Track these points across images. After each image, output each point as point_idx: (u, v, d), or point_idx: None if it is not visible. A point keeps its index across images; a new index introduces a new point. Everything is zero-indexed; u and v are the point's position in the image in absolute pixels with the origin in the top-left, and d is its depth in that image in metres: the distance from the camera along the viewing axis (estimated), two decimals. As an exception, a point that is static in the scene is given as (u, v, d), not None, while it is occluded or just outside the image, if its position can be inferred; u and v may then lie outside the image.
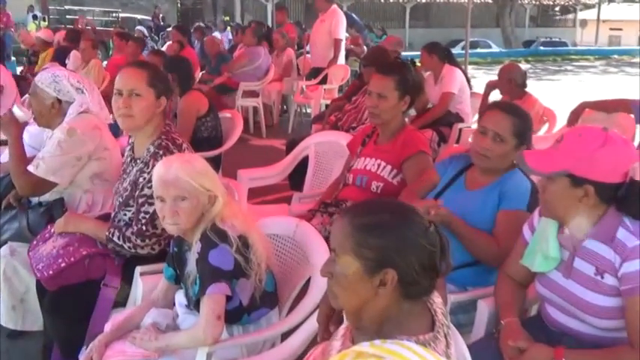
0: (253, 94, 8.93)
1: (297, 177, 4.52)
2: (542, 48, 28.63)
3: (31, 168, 3.09)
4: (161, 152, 2.68)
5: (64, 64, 8.43)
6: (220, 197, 2.31)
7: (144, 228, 2.65)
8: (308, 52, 10.54)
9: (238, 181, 4.05)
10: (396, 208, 1.53)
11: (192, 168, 2.29)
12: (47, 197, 3.25)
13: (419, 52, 6.29)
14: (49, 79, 3.25)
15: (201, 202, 2.28)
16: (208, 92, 7.35)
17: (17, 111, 3.38)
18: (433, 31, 30.88)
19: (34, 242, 2.89)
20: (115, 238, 2.70)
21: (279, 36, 9.85)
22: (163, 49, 12.30)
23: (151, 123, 2.76)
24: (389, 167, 3.28)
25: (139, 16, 26.83)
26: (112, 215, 2.90)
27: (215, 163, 4.71)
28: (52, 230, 2.90)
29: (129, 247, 2.68)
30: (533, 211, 2.31)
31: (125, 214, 2.79)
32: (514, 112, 2.59)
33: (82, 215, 2.96)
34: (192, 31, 12.85)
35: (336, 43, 8.96)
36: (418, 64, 6.26)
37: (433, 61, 5.97)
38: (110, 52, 16.63)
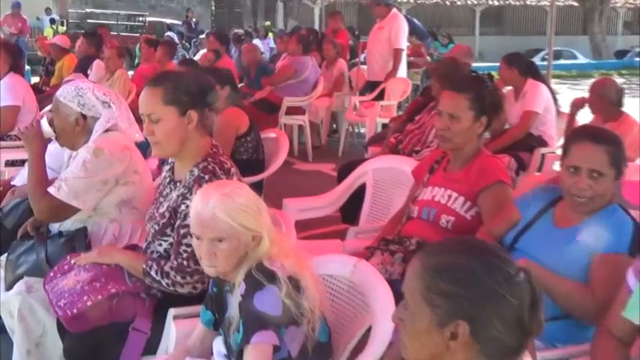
0: (299, 110, 9.04)
1: (351, 208, 4.53)
2: (638, 59, 28.20)
3: (52, 190, 3.17)
4: (207, 177, 2.73)
5: (86, 75, 8.67)
6: (266, 237, 2.33)
7: (185, 263, 2.69)
8: (363, 63, 10.62)
9: (286, 211, 4.09)
10: (474, 248, 1.53)
11: (232, 204, 2.30)
12: (68, 226, 3.32)
13: (490, 64, 6.29)
14: (72, 92, 3.35)
15: (243, 242, 2.31)
16: (248, 108, 7.48)
17: (45, 125, 3.49)
18: (507, 39, 30.76)
19: (51, 274, 2.95)
20: (153, 272, 2.74)
21: (330, 45, 9.95)
22: (196, 58, 12.59)
23: (189, 143, 2.81)
24: (461, 199, 3.27)
25: (168, 21, 27.43)
26: (145, 246, 2.95)
27: (256, 190, 4.75)
28: (72, 262, 2.96)
29: (167, 285, 2.71)
30: (636, 254, 2.27)
31: (160, 245, 2.83)
32: (606, 140, 2.57)
33: (115, 247, 3.03)
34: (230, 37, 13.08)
35: (397, 53, 9.02)
36: (497, 77, 6.25)
37: (514, 74, 5.95)
38: (136, 61, 17.05)
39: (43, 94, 9.02)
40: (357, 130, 10.27)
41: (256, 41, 17.46)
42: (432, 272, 1.49)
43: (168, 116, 2.76)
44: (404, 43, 9.33)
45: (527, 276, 1.48)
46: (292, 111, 8.96)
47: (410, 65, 11.41)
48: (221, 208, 2.28)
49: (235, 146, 4.94)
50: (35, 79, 13.08)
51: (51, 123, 3.47)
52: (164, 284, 2.71)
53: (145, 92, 2.80)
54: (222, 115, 4.92)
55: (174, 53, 10.43)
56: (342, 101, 9.83)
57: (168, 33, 20.02)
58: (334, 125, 10.67)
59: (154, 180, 3.62)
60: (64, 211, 3.22)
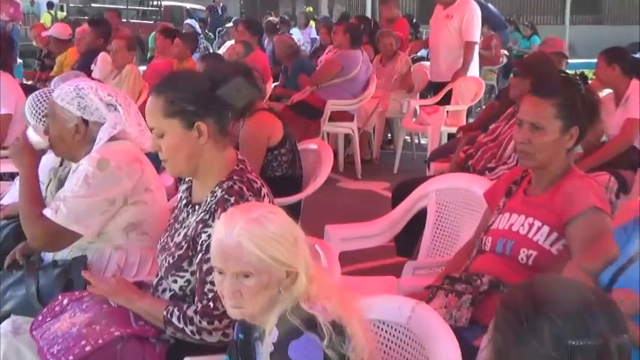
0: (345, 116, 9.08)
1: (408, 238, 4.52)
2: None
3: (48, 212, 3.22)
4: (232, 200, 2.75)
5: (89, 71, 8.78)
6: (304, 272, 2.33)
7: (212, 305, 2.69)
8: (423, 59, 10.63)
9: (326, 240, 4.09)
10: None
11: (262, 231, 2.29)
12: (64, 254, 3.36)
13: (584, 60, 6.24)
14: (70, 93, 3.41)
15: (275, 278, 2.29)
16: (283, 113, 7.52)
17: (32, 135, 3.54)
18: (604, 29, 30.46)
19: (39, 318, 2.98)
20: (175, 320, 2.75)
21: (389, 39, 9.99)
22: (221, 51, 12.71)
23: (205, 160, 2.85)
24: (546, 229, 3.25)
25: (188, 5, 27.66)
26: (155, 282, 2.98)
27: (292, 214, 4.77)
28: (65, 302, 2.99)
29: (192, 332, 2.72)
30: None
31: (175, 281, 2.85)
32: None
33: (134, 286, 3.03)
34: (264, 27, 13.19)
35: (468, 47, 9.05)
36: (592, 77, 6.21)
37: (614, 74, 5.90)
38: (149, 54, 17.24)
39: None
40: (417, 142, 10.28)
41: (295, 31, 17.61)
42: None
43: (171, 130, 2.81)
44: (477, 35, 9.33)
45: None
46: (337, 117, 9.01)
47: (482, 61, 11.38)
48: (248, 236, 2.27)
49: (267, 160, 4.99)
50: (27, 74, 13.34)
51: (46, 131, 3.52)
52: (189, 332, 2.72)
53: (148, 102, 2.87)
54: (250, 121, 4.96)
55: (196, 46, 10.55)
56: (399, 105, 9.85)
57: (189, 21, 20.22)
58: (389, 135, 10.69)
59: (168, 200, 3.65)
60: (63, 237, 3.27)
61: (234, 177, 2.83)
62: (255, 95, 5.15)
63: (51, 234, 3.23)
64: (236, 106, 2.91)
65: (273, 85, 10.00)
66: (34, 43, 12.94)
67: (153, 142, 2.86)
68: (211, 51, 17.41)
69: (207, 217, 2.78)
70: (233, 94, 2.87)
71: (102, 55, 9.20)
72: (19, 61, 14.67)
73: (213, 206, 2.78)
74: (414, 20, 15.85)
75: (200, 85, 2.87)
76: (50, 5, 24.77)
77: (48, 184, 3.70)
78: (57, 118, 3.42)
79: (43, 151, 3.57)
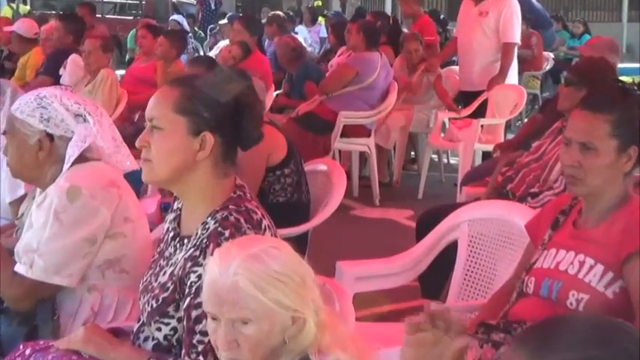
0: (361, 131, 9.11)
1: (434, 277, 4.51)
2: None
3: (21, 269, 3.25)
4: (227, 233, 2.75)
5: (56, 76, 8.81)
6: (313, 319, 2.33)
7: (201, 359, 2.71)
8: (451, 64, 10.63)
9: (338, 280, 4.10)
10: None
11: (263, 269, 2.30)
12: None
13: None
14: (31, 103, 3.42)
15: (278, 326, 2.30)
16: (286, 127, 7.53)
17: None
18: (670, 28, 30.48)
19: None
20: None
21: (417, 43, 9.95)
22: (213, 53, 12.72)
23: (197, 179, 2.86)
24: (599, 268, 3.25)
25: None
26: (136, 328, 2.98)
27: (298, 247, 4.77)
28: (27, 352, 2.99)
29: None
30: None
31: (159, 329, 2.86)
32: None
33: (108, 334, 3.04)
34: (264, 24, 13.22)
35: (507, 49, 9.09)
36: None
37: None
38: (127, 57, 17.28)
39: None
40: (445, 161, 10.28)
41: (300, 29, 17.65)
42: None
43: (174, 129, 2.83)
44: (518, 35, 9.33)
45: None
46: (352, 131, 9.03)
47: (522, 65, 11.36)
48: (246, 275, 2.28)
49: (267, 183, 5.02)
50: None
51: (5, 151, 3.54)
52: None
53: (159, 91, 2.93)
54: None
55: (184, 46, 10.56)
56: (425, 119, 9.85)
57: (175, 17, 19.98)
58: (412, 153, 10.69)
59: (151, 230, 3.67)
60: (45, 291, 3.29)
61: (230, 206, 2.84)
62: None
63: (32, 292, 3.26)
64: (248, 138, 2.94)
65: (275, 93, 9.99)
66: None
67: (142, 135, 2.86)
68: (202, 53, 17.43)
69: (197, 253, 2.78)
70: (251, 124, 2.91)
71: (72, 57, 9.22)
72: None
73: (205, 241, 2.78)
74: (442, 17, 15.86)
75: (227, 96, 2.87)
76: (10, -4, 24.48)
77: (21, 216, 3.72)
78: (16, 135, 3.43)
79: None
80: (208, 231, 2.79)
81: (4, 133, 3.54)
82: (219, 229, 2.77)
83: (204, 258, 2.71)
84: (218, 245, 2.65)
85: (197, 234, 2.83)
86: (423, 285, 4.88)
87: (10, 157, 3.50)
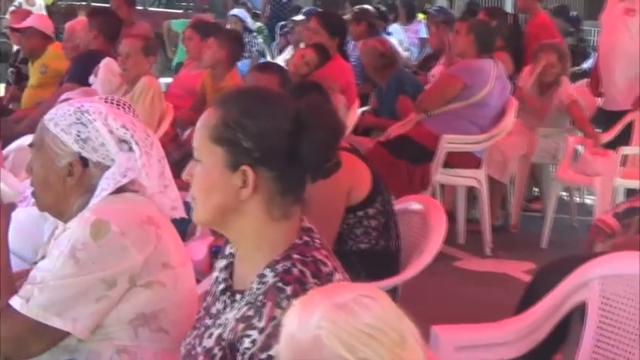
0: (469, 160, 9.12)
1: (554, 349, 4.50)
2: None
3: (16, 303, 3.25)
4: (288, 290, 2.77)
5: (86, 85, 8.87)
6: None
7: None
8: (586, 75, 10.51)
9: (433, 349, 4.12)
10: None
11: (353, 323, 2.24)
12: (46, 358, 3.44)
13: None
14: (69, 117, 3.44)
15: None
16: (373, 154, 7.55)
17: (3, 180, 3.61)
18: None
19: None
20: None
21: (554, 56, 9.78)
22: (283, 58, 12.77)
23: (253, 226, 2.91)
24: None
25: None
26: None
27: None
28: None
29: None
30: None
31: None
32: None
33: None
34: (347, 22, 13.15)
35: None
36: None
37: None
38: (175, 60, 17.33)
39: (9, 118, 9.37)
40: (578, 200, 10.20)
41: (395, 28, 17.52)
42: None
43: (210, 161, 2.89)
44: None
45: None
46: (457, 160, 9.05)
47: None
48: (331, 328, 2.24)
49: (347, 226, 5.03)
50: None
51: (29, 168, 3.57)
52: None
53: (204, 114, 2.97)
54: None
55: (239, 51, 10.42)
56: (552, 146, 9.79)
57: (235, 11, 19.94)
58: (535, 189, 10.63)
59: (198, 282, 3.71)
60: (40, 338, 3.27)
61: (294, 255, 2.85)
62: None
63: (20, 334, 3.25)
64: (313, 169, 2.96)
65: (360, 111, 10.04)
66: (11, 43, 12.91)
67: (189, 168, 2.93)
68: (268, 58, 17.43)
69: (250, 313, 2.80)
70: (315, 152, 2.90)
71: (106, 61, 9.23)
72: None
73: (261, 298, 2.80)
74: (574, 14, 15.65)
75: (280, 120, 2.89)
76: (27, -15, 24.42)
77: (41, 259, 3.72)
78: (44, 151, 3.45)
79: (13, 206, 3.62)
80: (266, 285, 2.82)
81: (31, 145, 3.56)
82: (280, 284, 2.79)
83: (259, 320, 2.74)
84: (277, 304, 2.69)
85: (252, 289, 2.86)
86: (540, 357, 4.87)
87: (34, 178, 3.54)
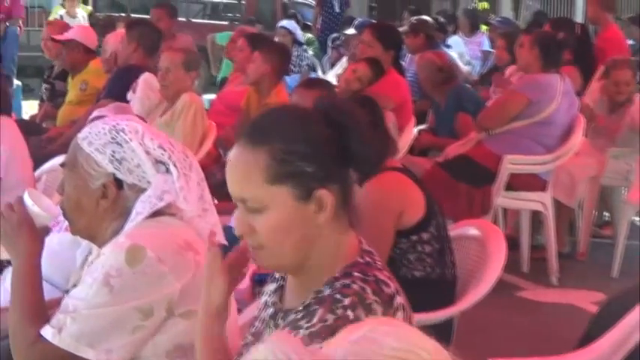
0: (534, 183, 9.08)
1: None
2: None
3: (48, 333, 3.32)
4: (346, 302, 2.81)
5: (123, 101, 8.88)
6: None
7: None
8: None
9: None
10: None
11: (379, 351, 2.26)
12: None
13: None
14: (104, 136, 3.51)
15: None
16: (429, 176, 7.57)
17: (29, 202, 3.64)
18: None
19: None
20: None
21: (629, 72, 9.73)
22: (335, 72, 12.79)
23: (320, 247, 2.93)
24: None
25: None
26: None
27: (440, 337, 4.77)
28: None
29: None
30: None
31: None
32: None
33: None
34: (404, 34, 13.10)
35: None
36: None
37: None
38: (220, 76, 17.35)
39: (42, 137, 9.42)
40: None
41: (455, 41, 17.47)
42: None
43: (278, 204, 2.86)
44: None
45: None
46: (521, 183, 9.00)
47: None
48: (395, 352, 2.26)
49: (399, 251, 5.05)
50: (29, 103, 13.55)
51: (60, 189, 3.62)
52: None
53: (236, 158, 2.91)
54: (372, 186, 4.79)
55: (286, 65, 10.32)
56: (624, 167, 9.74)
57: (285, 23, 19.94)
58: (605, 214, 10.60)
59: (240, 311, 3.74)
60: None
61: (355, 273, 2.89)
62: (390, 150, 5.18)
63: None
64: (366, 167, 2.98)
65: (416, 129, 10.04)
66: (45, 56, 12.62)
67: (240, 221, 2.89)
68: (319, 73, 17.45)
69: (299, 316, 2.85)
70: (364, 145, 2.92)
71: (145, 76, 9.29)
72: (17, 83, 14.92)
73: (314, 305, 2.84)
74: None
75: (319, 129, 2.91)
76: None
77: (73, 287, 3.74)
78: (77, 171, 3.51)
79: (47, 230, 3.68)
80: (322, 295, 2.86)
81: (63, 165, 3.62)
82: (337, 295, 2.83)
83: (308, 321, 2.79)
84: (330, 310, 2.74)
85: (305, 303, 2.89)
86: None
87: (65, 200, 3.57)
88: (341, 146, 2.90)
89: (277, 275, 3.14)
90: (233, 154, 2.92)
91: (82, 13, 21.99)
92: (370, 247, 3.06)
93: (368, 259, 2.96)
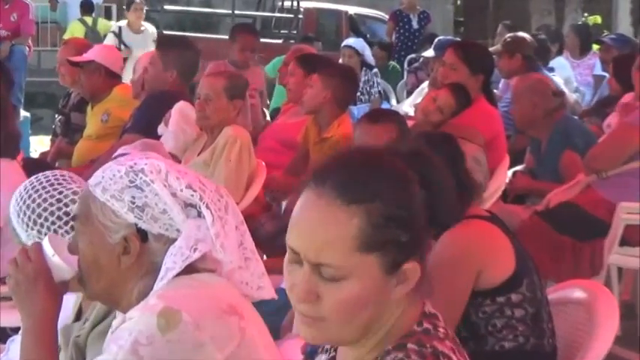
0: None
1: None
2: None
3: None
4: None
5: (153, 136, 8.92)
6: None
7: None
8: None
9: None
10: None
11: None
12: None
13: None
14: (120, 179, 3.51)
15: None
16: (528, 226, 7.58)
17: (50, 251, 3.67)
18: None
19: None
20: None
21: None
22: (412, 101, 12.83)
23: (383, 319, 2.94)
24: None
25: (352, 9, 27.47)
26: None
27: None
28: None
29: None
30: None
31: None
32: None
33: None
34: (496, 55, 13.04)
35: None
36: None
37: None
38: (271, 105, 17.47)
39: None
40: None
41: (560, 63, 17.39)
42: None
43: (362, 274, 2.84)
44: None
45: None
46: (638, 236, 8.96)
47: None
48: None
49: (483, 315, 5.05)
50: (39, 138, 13.66)
51: (72, 247, 3.64)
52: None
53: (320, 214, 2.86)
54: (451, 236, 4.75)
55: (353, 91, 10.28)
56: None
57: (350, 42, 19.84)
58: None
59: None
60: None
61: (410, 345, 2.89)
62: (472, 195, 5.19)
63: None
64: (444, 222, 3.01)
65: (511, 171, 10.03)
66: (59, 82, 12.48)
67: (304, 286, 2.84)
68: (393, 102, 17.46)
69: None
70: (448, 205, 2.99)
71: (179, 105, 9.22)
72: (25, 114, 14.98)
73: None
74: None
75: (416, 191, 2.91)
76: (87, 8, 23.84)
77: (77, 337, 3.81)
78: (91, 223, 3.51)
79: (66, 286, 3.71)
80: None
81: (74, 218, 3.65)
82: None
83: None
84: None
85: None
86: None
87: (80, 259, 3.57)
88: (429, 209, 2.91)
89: (328, 346, 3.15)
90: (313, 208, 2.85)
91: (152, 28, 22.21)
92: (436, 309, 3.04)
93: (428, 325, 2.96)
